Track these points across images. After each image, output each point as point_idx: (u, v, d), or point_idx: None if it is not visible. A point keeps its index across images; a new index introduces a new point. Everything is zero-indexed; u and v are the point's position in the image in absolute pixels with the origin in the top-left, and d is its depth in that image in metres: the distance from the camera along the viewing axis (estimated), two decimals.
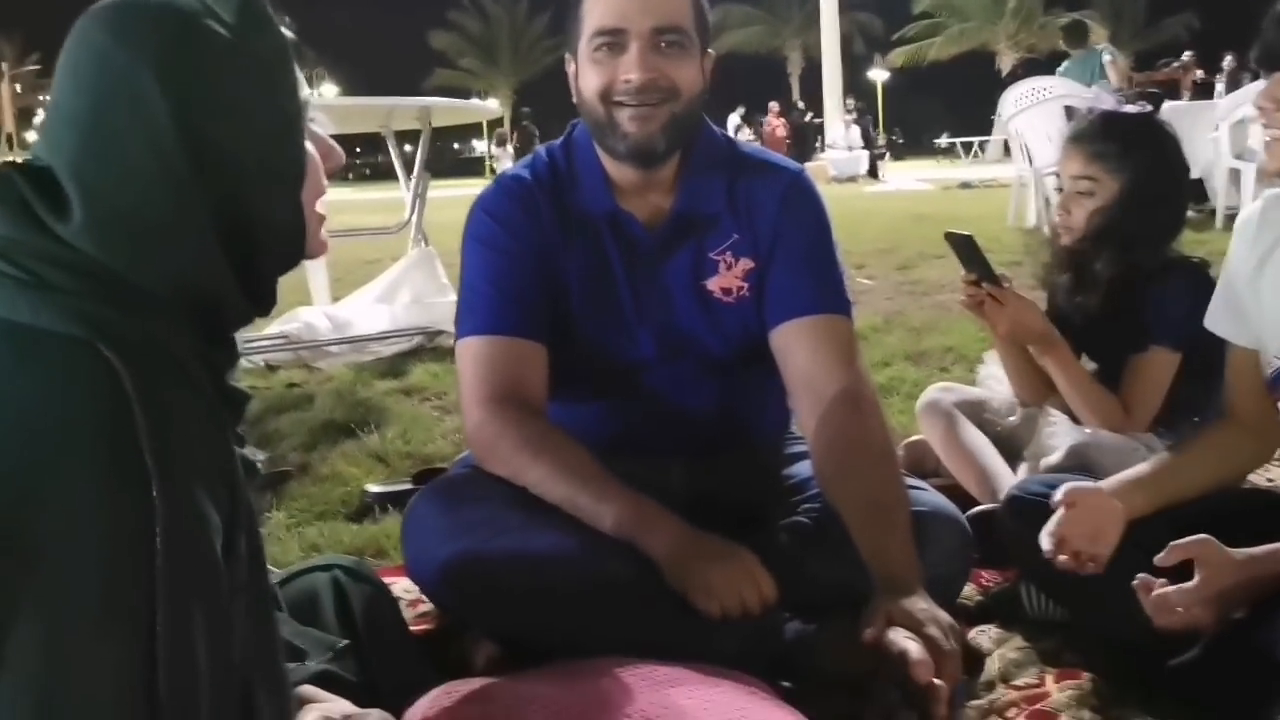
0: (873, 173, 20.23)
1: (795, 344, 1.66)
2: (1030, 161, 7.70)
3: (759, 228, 1.70)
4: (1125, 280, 1.99)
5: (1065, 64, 7.85)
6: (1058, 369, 2.02)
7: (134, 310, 0.83)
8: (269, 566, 1.79)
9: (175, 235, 0.87)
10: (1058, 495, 1.49)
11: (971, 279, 2.02)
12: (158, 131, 0.86)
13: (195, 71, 0.88)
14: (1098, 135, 1.97)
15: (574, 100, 1.67)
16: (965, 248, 2.00)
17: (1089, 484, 1.52)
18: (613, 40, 1.56)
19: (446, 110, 3.83)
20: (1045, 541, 1.46)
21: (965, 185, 15.55)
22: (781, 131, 21.65)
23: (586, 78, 1.60)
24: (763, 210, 1.70)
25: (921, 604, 1.38)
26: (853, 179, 19.40)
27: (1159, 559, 1.36)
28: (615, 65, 1.57)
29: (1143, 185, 1.93)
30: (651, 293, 1.70)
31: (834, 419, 1.60)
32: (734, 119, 22.04)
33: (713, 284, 1.70)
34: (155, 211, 0.86)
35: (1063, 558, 1.45)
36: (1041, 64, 10.70)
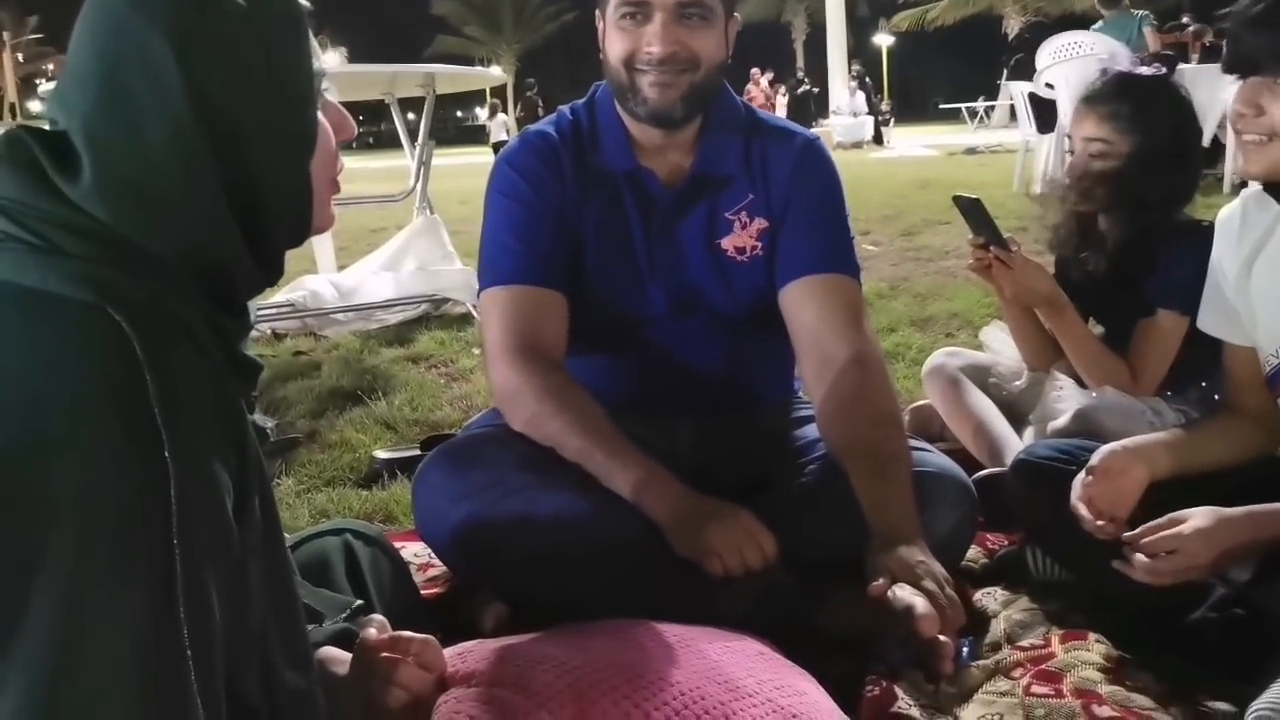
0: (877, 139, 20.11)
1: (803, 302, 1.69)
2: (1038, 126, 7.62)
3: (773, 189, 1.74)
4: (1134, 244, 1.98)
5: (1099, 24, 7.70)
6: (1065, 332, 2.02)
7: (143, 275, 0.83)
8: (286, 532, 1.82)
9: (186, 201, 0.87)
10: (1094, 460, 1.50)
11: (979, 242, 2.02)
12: (170, 96, 0.85)
13: (210, 38, 0.87)
14: (1112, 96, 1.95)
15: (600, 57, 1.71)
16: (974, 211, 2.00)
17: (1117, 445, 1.52)
18: (637, 9, 1.61)
19: (450, 77, 3.80)
20: (1078, 506, 1.48)
21: (971, 151, 15.45)
22: (761, 100, 21.42)
23: (612, 42, 1.65)
24: (777, 173, 1.74)
25: (919, 555, 1.41)
26: (858, 145, 19.31)
27: (1147, 526, 1.37)
28: (639, 34, 1.61)
29: (1156, 148, 1.92)
30: (666, 249, 1.73)
31: (839, 377, 1.63)
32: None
33: (726, 242, 1.73)
34: (166, 177, 0.86)
35: (1098, 521, 1.46)
36: (1049, 27, 10.52)
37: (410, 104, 4.17)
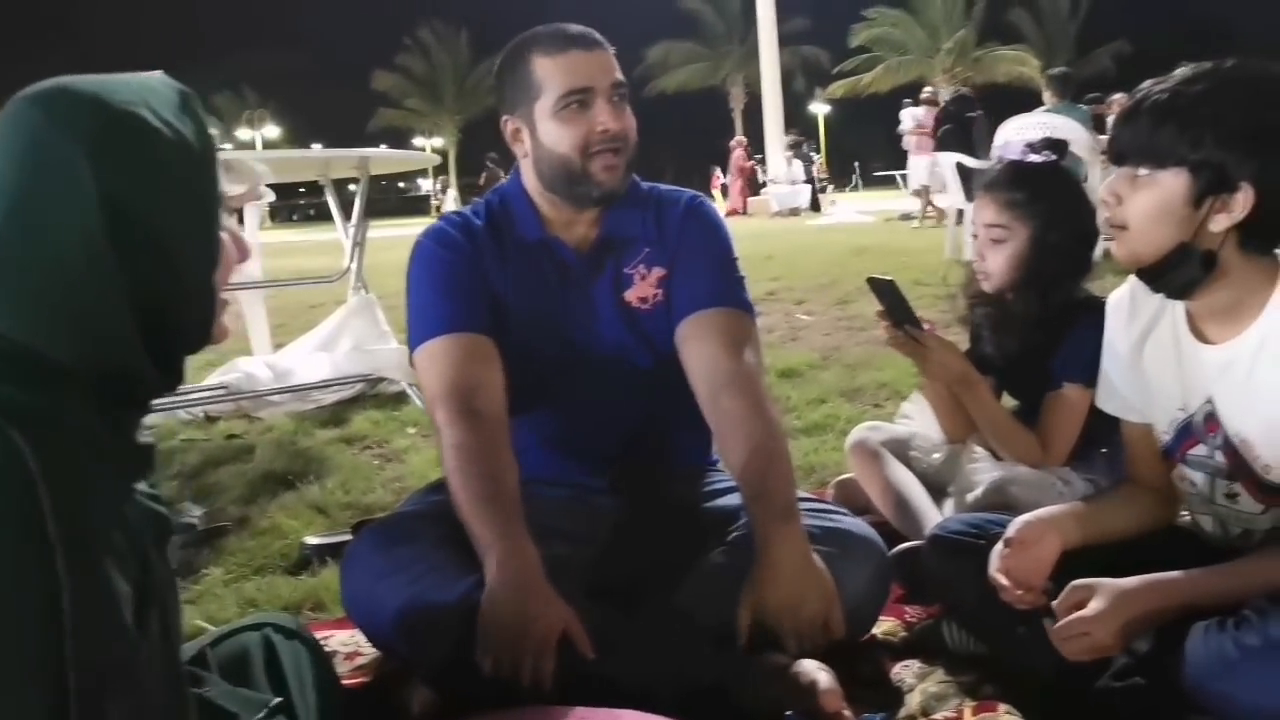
0: (815, 206, 20.46)
1: (692, 336, 1.81)
2: (966, 195, 7.82)
3: (667, 240, 1.87)
4: (1040, 321, 2.06)
5: (1046, 108, 7.93)
6: (976, 408, 2.09)
7: (41, 385, 0.85)
8: (205, 625, 1.81)
9: (91, 312, 0.90)
10: (1010, 531, 1.56)
11: (893, 322, 2.09)
12: (84, 211, 0.88)
13: (128, 158, 0.91)
14: (1007, 184, 2.05)
15: (521, 156, 1.82)
16: (887, 292, 2.07)
17: (1031, 516, 1.59)
18: (581, 98, 1.72)
19: (383, 160, 3.85)
20: (997, 576, 1.53)
21: (906, 217, 15.75)
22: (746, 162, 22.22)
23: (557, 135, 1.74)
24: (669, 226, 1.87)
25: (795, 554, 1.56)
26: (795, 212, 19.62)
27: (1056, 603, 1.43)
28: (586, 119, 1.73)
29: (1051, 230, 2.01)
30: (581, 308, 1.84)
31: (719, 399, 1.74)
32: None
33: (630, 295, 1.85)
34: (73, 288, 0.89)
35: (1013, 591, 1.52)
36: (970, 100, 10.91)
37: (350, 178, 4.20)
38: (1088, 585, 1.43)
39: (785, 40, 31.46)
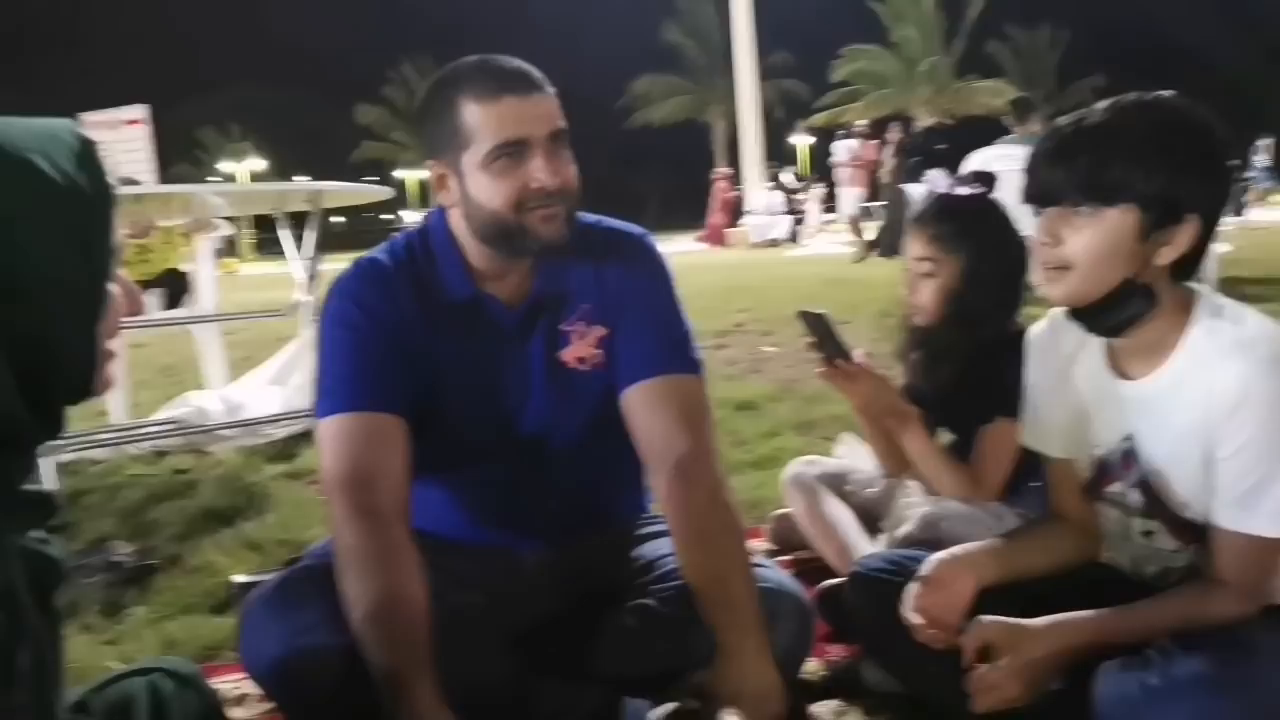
0: (792, 237, 20.52)
1: (639, 407, 1.68)
2: None
3: (607, 294, 1.72)
4: (971, 355, 2.05)
5: (1012, 137, 7.96)
6: (909, 442, 2.07)
7: None
8: (120, 667, 1.77)
9: None
10: (924, 570, 1.54)
11: (824, 356, 2.07)
12: None
13: (16, 207, 0.90)
14: (934, 218, 2.04)
15: (448, 205, 1.65)
16: (818, 326, 2.06)
17: (946, 554, 1.56)
18: (515, 151, 1.55)
19: (337, 194, 3.84)
20: (910, 615, 1.51)
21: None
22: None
23: (489, 190, 1.57)
24: (610, 276, 1.72)
25: (761, 670, 1.47)
26: (773, 243, 19.67)
27: (962, 640, 1.41)
28: (521, 172, 1.55)
29: (979, 264, 2.00)
30: (516, 373, 1.71)
31: (672, 489, 1.63)
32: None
33: (567, 355, 1.70)
34: None
35: (928, 630, 1.50)
36: (940, 134, 11.05)
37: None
38: (992, 624, 1.41)
39: (767, 74, 31.75)
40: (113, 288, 1.00)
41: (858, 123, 15.16)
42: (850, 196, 14.04)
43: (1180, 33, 51.93)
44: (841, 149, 14.60)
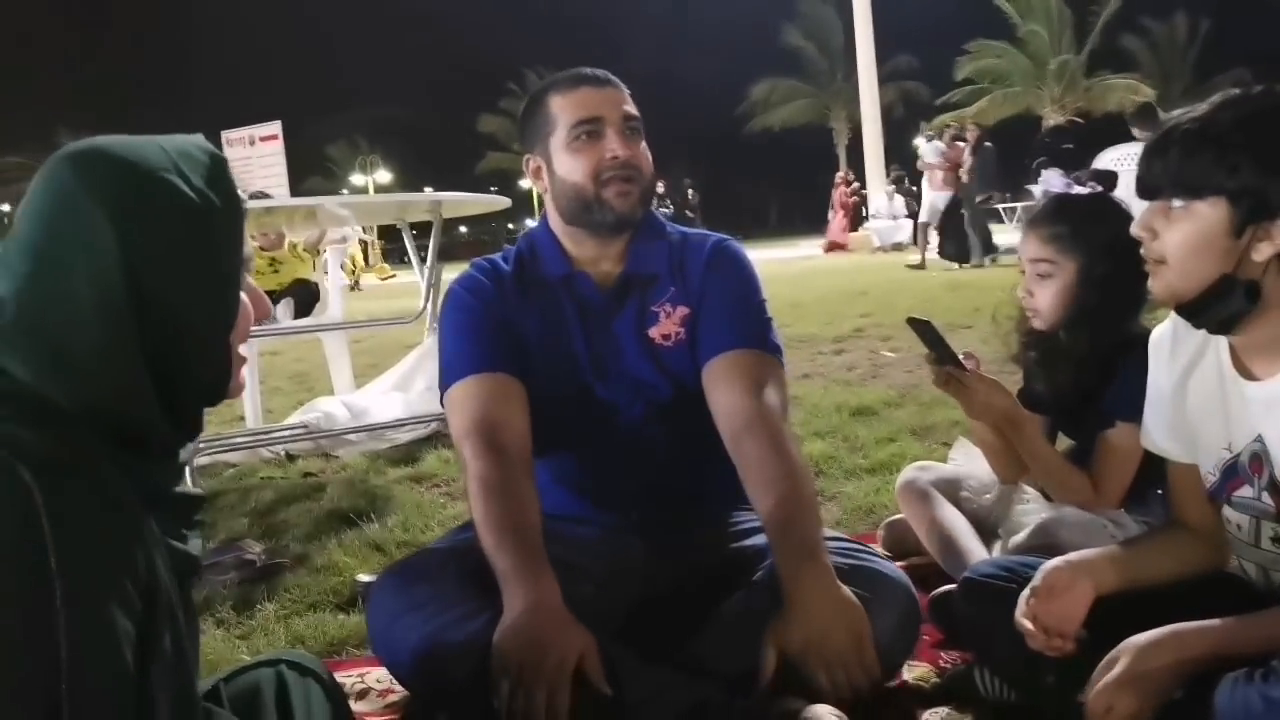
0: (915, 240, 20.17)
1: (716, 378, 1.81)
2: None
3: (690, 281, 1.89)
4: (1091, 358, 2.00)
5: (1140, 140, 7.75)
6: (1025, 448, 2.03)
7: (53, 430, 0.90)
8: (247, 658, 1.85)
9: (105, 366, 0.94)
10: (1038, 578, 1.51)
11: (935, 361, 2.04)
12: (105, 271, 0.94)
13: (151, 224, 0.96)
14: (1050, 218, 2.00)
15: (542, 192, 1.88)
16: (927, 333, 2.03)
17: (1062, 561, 1.53)
18: (592, 128, 1.79)
19: (457, 204, 3.94)
20: (1023, 623, 1.48)
21: (1009, 250, 15.45)
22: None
23: (570, 164, 1.81)
24: (693, 268, 1.89)
25: (822, 589, 1.55)
26: (898, 247, 19.38)
27: (1087, 699, 1.38)
28: (598, 148, 1.79)
29: (1097, 264, 1.95)
30: (605, 343, 1.86)
31: (740, 443, 1.74)
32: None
33: (654, 332, 1.86)
34: (89, 343, 0.94)
35: (1041, 638, 1.46)
36: (1067, 133, 10.67)
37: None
38: (1114, 656, 1.38)
39: (888, 77, 31.30)
40: (243, 296, 1.06)
41: (949, 124, 14.65)
42: (938, 200, 13.57)
43: None
44: (930, 150, 14.08)
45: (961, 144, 13.58)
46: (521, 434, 1.75)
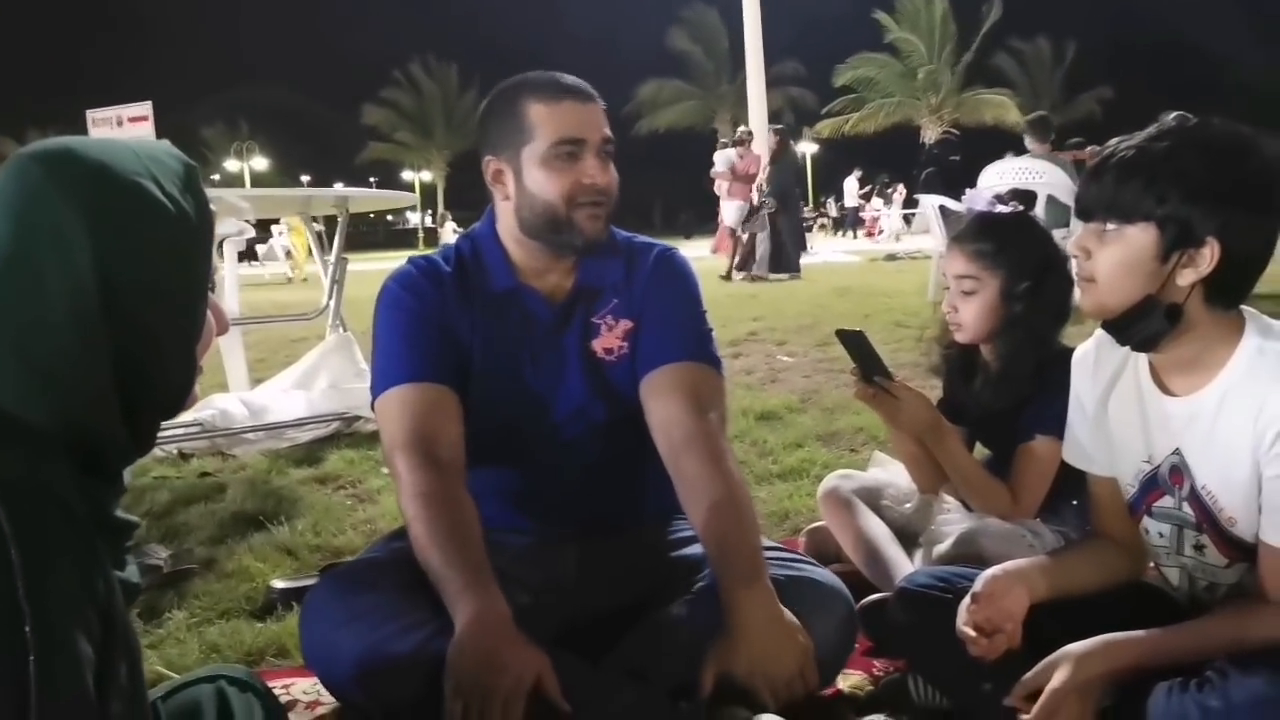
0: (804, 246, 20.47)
1: (655, 390, 1.79)
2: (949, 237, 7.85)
3: (635, 292, 1.86)
4: (1013, 372, 2.06)
5: (1031, 154, 7.95)
6: (947, 459, 2.08)
7: (16, 448, 0.85)
8: (165, 671, 1.79)
9: (73, 376, 0.90)
10: (978, 585, 1.56)
11: (862, 374, 2.08)
12: (77, 274, 0.90)
13: (125, 227, 0.93)
14: (975, 235, 2.06)
15: (501, 199, 1.80)
16: (856, 343, 2.07)
17: (999, 569, 1.58)
18: (573, 149, 1.72)
19: (362, 200, 3.86)
20: (965, 630, 1.52)
21: (891, 257, 15.86)
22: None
23: (544, 182, 1.73)
24: (637, 278, 1.86)
25: (763, 615, 1.56)
26: None
27: (1010, 700, 1.43)
28: (575, 170, 1.73)
29: (1020, 281, 2.02)
30: (549, 360, 1.82)
31: (678, 459, 1.73)
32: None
33: (597, 345, 1.84)
34: (59, 352, 0.90)
35: (981, 643, 1.51)
36: (955, 144, 10.98)
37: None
38: (1048, 663, 1.43)
39: (774, 81, 31.79)
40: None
41: (740, 130, 14.52)
42: (731, 209, 13.33)
43: (1190, 41, 52.04)
44: (721, 159, 13.73)
45: (755, 154, 13.50)
46: (456, 445, 1.71)
